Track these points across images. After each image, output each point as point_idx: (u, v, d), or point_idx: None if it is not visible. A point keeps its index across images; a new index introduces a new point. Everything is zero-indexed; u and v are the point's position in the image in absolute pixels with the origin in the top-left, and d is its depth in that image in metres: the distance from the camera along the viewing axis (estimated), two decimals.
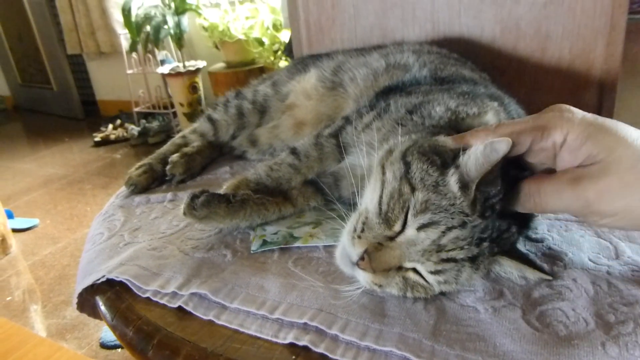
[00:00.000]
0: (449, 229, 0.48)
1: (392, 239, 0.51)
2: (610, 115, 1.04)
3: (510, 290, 0.53)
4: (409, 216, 0.50)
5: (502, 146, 0.46)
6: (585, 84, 1.04)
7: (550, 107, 0.53)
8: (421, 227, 0.49)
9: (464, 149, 0.51)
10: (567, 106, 0.51)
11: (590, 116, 0.50)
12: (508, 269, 0.53)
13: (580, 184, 0.47)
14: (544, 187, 0.50)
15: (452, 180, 0.49)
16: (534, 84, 1.09)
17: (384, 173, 0.54)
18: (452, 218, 0.48)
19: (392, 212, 0.51)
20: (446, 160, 0.52)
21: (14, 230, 2.62)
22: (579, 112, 0.50)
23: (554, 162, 0.51)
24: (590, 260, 0.58)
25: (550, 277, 0.53)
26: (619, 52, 0.99)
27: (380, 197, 0.53)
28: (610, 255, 0.58)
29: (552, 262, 0.58)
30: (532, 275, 0.52)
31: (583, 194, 0.47)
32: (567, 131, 0.48)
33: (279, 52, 3.27)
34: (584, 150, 0.48)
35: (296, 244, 0.65)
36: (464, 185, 0.49)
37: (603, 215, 0.48)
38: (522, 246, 0.59)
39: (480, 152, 0.48)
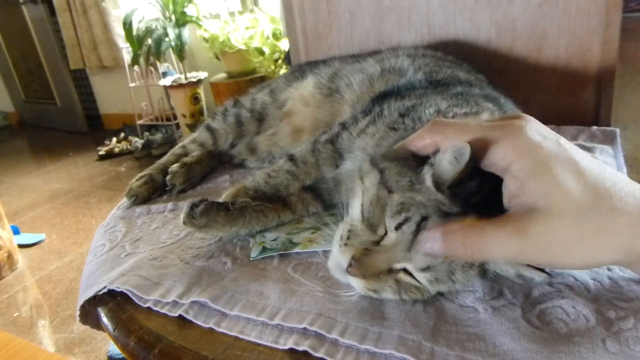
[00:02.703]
0: (425, 218, 0.48)
1: (377, 243, 0.51)
2: (609, 113, 1.04)
3: (509, 290, 0.53)
4: (387, 218, 0.50)
5: (464, 151, 0.45)
6: (582, 82, 1.04)
7: (513, 120, 0.48)
8: (398, 226, 0.49)
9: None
10: (528, 126, 0.46)
11: (545, 149, 0.44)
12: (503, 266, 0.52)
13: (525, 235, 0.43)
14: (486, 234, 0.45)
15: (427, 178, 0.49)
16: (532, 84, 1.10)
17: (363, 182, 0.55)
18: (427, 208, 0.48)
19: (373, 218, 0.51)
20: (418, 161, 0.51)
21: (21, 246, 2.63)
22: (534, 139, 0.45)
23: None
24: None
25: (545, 274, 0.52)
26: (615, 50, 0.99)
27: (362, 204, 0.53)
28: None
29: None
30: (527, 272, 0.51)
31: (530, 249, 0.44)
32: (511, 160, 0.45)
33: (280, 61, 3.29)
34: (527, 186, 0.44)
35: (295, 250, 0.65)
36: (439, 187, 0.48)
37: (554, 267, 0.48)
38: None
39: (446, 161, 0.47)
